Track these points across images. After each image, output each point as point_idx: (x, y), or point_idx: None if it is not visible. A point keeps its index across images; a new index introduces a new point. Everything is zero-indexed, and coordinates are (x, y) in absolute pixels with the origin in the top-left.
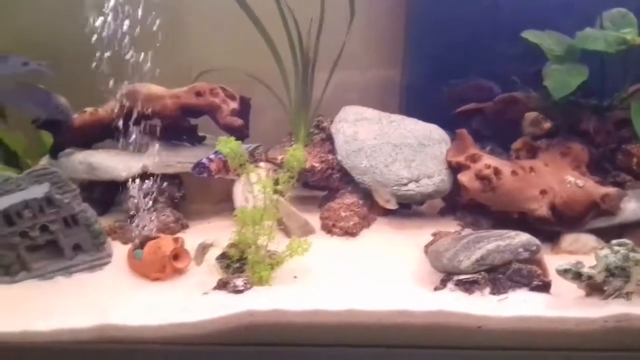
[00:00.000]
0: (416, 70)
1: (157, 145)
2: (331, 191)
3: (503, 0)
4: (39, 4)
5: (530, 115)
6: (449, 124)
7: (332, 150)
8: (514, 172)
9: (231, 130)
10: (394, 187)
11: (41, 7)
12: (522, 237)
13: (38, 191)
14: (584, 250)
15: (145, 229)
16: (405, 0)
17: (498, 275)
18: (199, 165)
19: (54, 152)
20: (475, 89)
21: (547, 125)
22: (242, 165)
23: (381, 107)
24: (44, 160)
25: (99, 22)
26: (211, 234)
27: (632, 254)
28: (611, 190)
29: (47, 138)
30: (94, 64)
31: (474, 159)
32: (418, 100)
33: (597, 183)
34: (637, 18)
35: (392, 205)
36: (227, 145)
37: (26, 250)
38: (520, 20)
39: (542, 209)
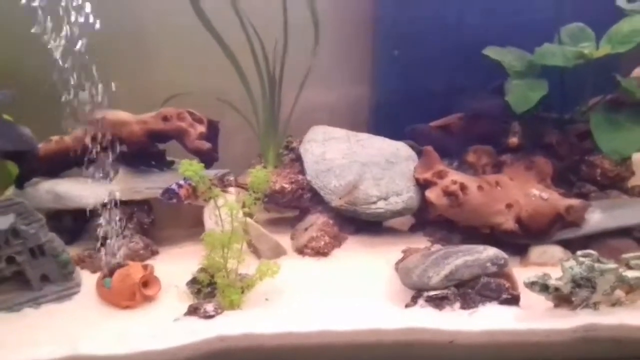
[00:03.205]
0: (385, 87)
1: (125, 172)
2: (302, 211)
3: (468, 18)
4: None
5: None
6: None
7: (302, 171)
8: (480, 187)
9: (200, 154)
10: (363, 206)
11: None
12: (489, 252)
13: (3, 222)
14: (552, 262)
15: (114, 256)
16: (372, 18)
17: (467, 290)
18: (168, 191)
19: (20, 182)
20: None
21: (514, 140)
22: (208, 189)
23: (350, 125)
24: (10, 191)
25: (62, 48)
26: (182, 260)
27: (597, 265)
28: (575, 202)
29: (13, 168)
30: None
31: (440, 175)
32: (387, 117)
33: (561, 195)
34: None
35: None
36: (190, 168)
37: None
38: (485, 37)
39: (508, 222)
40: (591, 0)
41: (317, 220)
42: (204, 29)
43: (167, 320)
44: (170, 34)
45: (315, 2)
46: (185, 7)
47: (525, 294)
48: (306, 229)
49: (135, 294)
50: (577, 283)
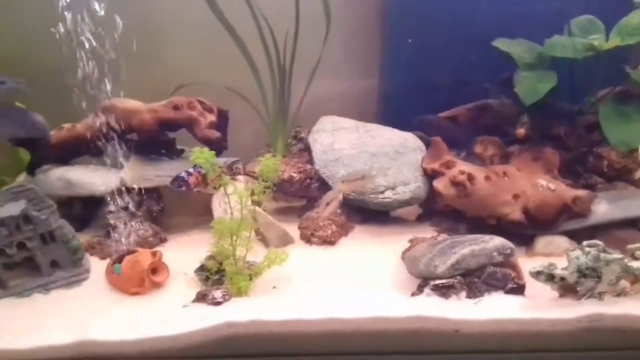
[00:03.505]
0: (394, 78)
1: (135, 160)
2: (310, 201)
3: (477, 10)
4: (14, 19)
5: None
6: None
7: (310, 160)
8: (487, 178)
9: (209, 143)
10: (371, 195)
11: (16, 23)
12: (495, 241)
13: (14, 208)
14: (558, 252)
15: (124, 243)
16: (381, 9)
17: (473, 279)
18: (177, 179)
19: (31, 169)
20: None
21: (521, 131)
22: (218, 176)
23: (359, 116)
24: (22, 178)
25: (75, 37)
26: (191, 247)
27: (602, 255)
28: (582, 192)
29: (25, 155)
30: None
31: (448, 165)
32: (396, 108)
33: (568, 186)
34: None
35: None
36: (202, 155)
37: (3, 267)
38: (494, 29)
39: (515, 213)
40: None
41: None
42: (216, 20)
43: (176, 306)
44: (182, 25)
45: None
46: None
47: (531, 284)
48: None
49: (144, 280)
50: (582, 273)
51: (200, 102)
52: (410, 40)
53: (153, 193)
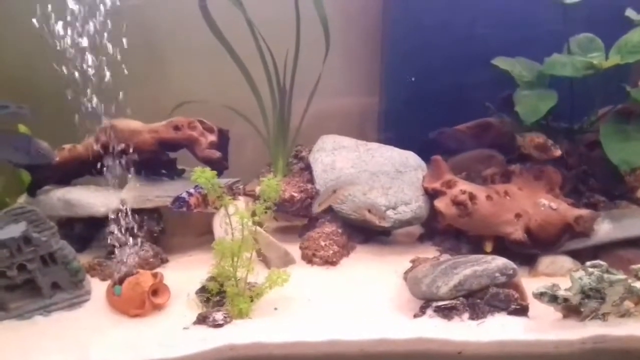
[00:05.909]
0: (394, 97)
1: (135, 180)
2: (311, 220)
3: (477, 28)
4: (15, 41)
5: (537, 139)
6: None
7: (311, 180)
8: (488, 197)
9: (210, 163)
10: None
11: (18, 44)
12: (498, 262)
13: (15, 230)
14: (561, 272)
15: (124, 264)
16: (381, 28)
17: (476, 300)
18: (178, 200)
19: (32, 190)
20: None
21: (557, 152)
22: (219, 197)
23: (359, 135)
24: (23, 199)
25: (76, 56)
26: (192, 268)
27: (606, 275)
28: (584, 212)
29: (26, 176)
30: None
31: (449, 184)
32: (396, 126)
33: (570, 205)
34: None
35: (387, 223)
36: (203, 175)
37: (4, 290)
38: (493, 48)
39: (517, 232)
40: (600, 11)
41: (325, 229)
42: (216, 40)
43: (177, 328)
44: (182, 45)
45: (324, 10)
46: (197, 20)
47: (534, 305)
48: (315, 238)
49: (145, 302)
50: (586, 294)
51: (201, 122)
52: (408, 58)
53: (154, 213)
